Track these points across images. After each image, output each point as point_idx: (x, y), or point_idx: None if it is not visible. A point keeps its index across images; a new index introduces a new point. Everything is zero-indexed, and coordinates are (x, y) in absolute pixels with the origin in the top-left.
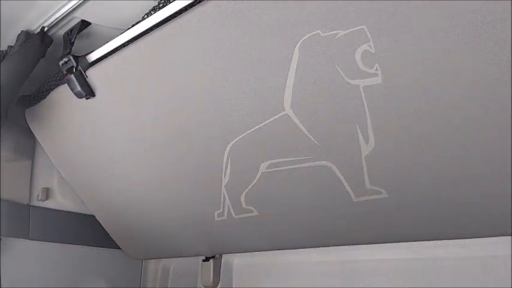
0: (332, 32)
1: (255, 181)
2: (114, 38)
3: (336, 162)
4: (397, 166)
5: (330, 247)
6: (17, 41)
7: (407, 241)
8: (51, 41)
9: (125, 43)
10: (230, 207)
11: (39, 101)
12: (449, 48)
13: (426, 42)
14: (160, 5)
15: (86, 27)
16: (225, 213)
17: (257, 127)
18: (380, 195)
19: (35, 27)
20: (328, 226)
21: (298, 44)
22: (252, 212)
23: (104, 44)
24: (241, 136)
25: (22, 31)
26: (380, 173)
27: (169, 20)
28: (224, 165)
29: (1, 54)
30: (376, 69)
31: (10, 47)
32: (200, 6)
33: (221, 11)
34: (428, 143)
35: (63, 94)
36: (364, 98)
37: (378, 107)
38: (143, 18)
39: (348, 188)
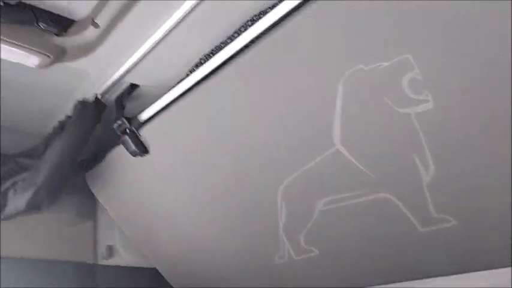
0: (375, 65)
1: (312, 220)
2: (161, 95)
3: (396, 193)
4: (463, 191)
5: (400, 283)
6: (74, 110)
7: (484, 270)
8: (105, 106)
9: (173, 100)
10: (290, 248)
11: (98, 164)
12: (496, 62)
13: (473, 60)
14: (202, 61)
15: (134, 90)
16: (285, 255)
17: (309, 165)
18: (449, 224)
19: (89, 96)
20: (395, 260)
21: (342, 80)
22: (313, 252)
23: (153, 102)
24: (293, 176)
25: (78, 101)
26: (445, 200)
27: (213, 73)
28: (279, 206)
29: (61, 124)
30: (426, 95)
31: (68, 117)
32: (241, 58)
33: (262, 58)
34: (494, 162)
35: (119, 154)
36: (417, 125)
37: (433, 133)
38: (187, 75)
39: (412, 218)
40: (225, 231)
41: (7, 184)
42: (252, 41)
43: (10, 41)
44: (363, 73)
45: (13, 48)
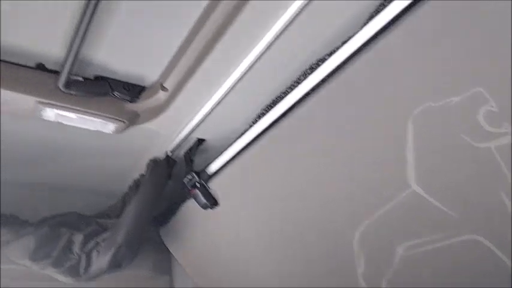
0: (445, 101)
1: (394, 266)
2: (227, 147)
3: (485, 233)
4: None
5: None
6: (147, 169)
7: None
8: (175, 162)
9: (239, 151)
10: None
11: (171, 219)
12: None
13: None
14: (264, 112)
15: (201, 144)
16: None
17: (384, 209)
18: None
19: (160, 153)
20: None
21: (411, 118)
22: None
23: (220, 155)
24: (369, 221)
25: (150, 159)
26: None
27: (276, 123)
28: (356, 253)
29: (136, 183)
30: (506, 128)
31: (142, 175)
32: (303, 106)
33: (325, 103)
34: None
35: (190, 208)
36: (499, 158)
37: None
38: (250, 126)
39: (505, 259)
40: (300, 282)
41: (90, 245)
42: (313, 89)
43: (89, 111)
44: (433, 109)
45: (91, 118)
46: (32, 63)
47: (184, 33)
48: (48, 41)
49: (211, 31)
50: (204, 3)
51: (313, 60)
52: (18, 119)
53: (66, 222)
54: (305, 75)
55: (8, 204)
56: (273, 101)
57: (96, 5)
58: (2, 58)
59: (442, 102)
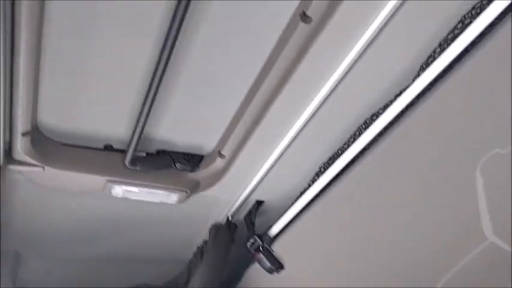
0: None
1: None
2: (287, 207)
3: None
4: None
5: None
6: (209, 234)
7: None
8: (236, 226)
9: (300, 210)
10: None
11: (237, 285)
12: None
13: None
14: (322, 170)
15: (261, 205)
16: None
17: (462, 264)
18: None
19: (221, 218)
20: None
21: (478, 168)
22: None
23: (281, 216)
24: (446, 278)
25: (212, 225)
26: None
27: (336, 179)
28: None
29: (199, 250)
30: None
31: (205, 241)
32: (363, 159)
33: (386, 156)
34: None
35: (256, 272)
36: None
37: None
38: (309, 185)
39: None
40: None
41: None
42: (371, 142)
43: (153, 184)
44: (501, 157)
45: (156, 191)
46: (100, 145)
47: (237, 103)
48: (114, 124)
49: (263, 98)
50: (256, 72)
51: (368, 115)
52: (85, 197)
53: None
54: (360, 130)
55: (76, 280)
56: (331, 157)
57: (158, 87)
58: (72, 143)
59: (510, 148)
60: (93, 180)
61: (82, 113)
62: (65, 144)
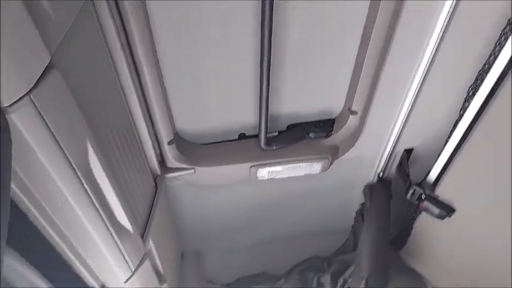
0: None
1: None
2: (441, 148)
3: None
4: None
5: None
6: (364, 196)
7: None
8: (390, 181)
9: (455, 147)
10: None
11: (408, 239)
12: None
13: None
14: (469, 96)
15: (410, 155)
16: None
17: None
18: None
19: (371, 177)
20: None
21: None
22: None
23: (436, 158)
24: None
25: (365, 186)
26: None
27: (487, 102)
28: None
29: (359, 213)
30: None
31: (362, 204)
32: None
33: None
34: None
35: (423, 222)
36: None
37: None
38: (457, 121)
39: None
40: None
41: (339, 284)
42: None
43: (293, 159)
44: None
45: (298, 164)
46: (235, 136)
47: (352, 55)
48: (241, 114)
49: (379, 40)
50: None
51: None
52: (236, 187)
53: (310, 267)
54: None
55: (251, 265)
56: (476, 78)
57: (268, 68)
58: (210, 141)
59: None
60: (238, 169)
61: (211, 112)
62: (205, 144)
